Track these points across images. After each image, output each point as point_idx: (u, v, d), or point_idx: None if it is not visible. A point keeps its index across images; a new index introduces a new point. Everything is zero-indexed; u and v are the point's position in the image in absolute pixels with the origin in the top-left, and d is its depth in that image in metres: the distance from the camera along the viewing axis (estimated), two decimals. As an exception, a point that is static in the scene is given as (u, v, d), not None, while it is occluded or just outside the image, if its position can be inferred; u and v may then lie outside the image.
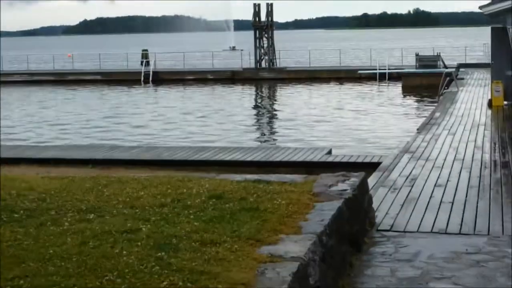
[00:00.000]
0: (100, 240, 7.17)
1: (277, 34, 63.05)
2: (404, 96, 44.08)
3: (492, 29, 28.75)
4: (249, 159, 20.14)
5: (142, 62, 63.44)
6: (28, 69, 67.98)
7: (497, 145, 18.35)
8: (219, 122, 35.05)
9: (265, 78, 58.24)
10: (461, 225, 10.77)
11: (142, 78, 59.06)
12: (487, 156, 16.62)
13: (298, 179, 10.75)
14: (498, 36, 27.79)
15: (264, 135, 32.03)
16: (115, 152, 22.06)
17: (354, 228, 9.57)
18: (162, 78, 59.52)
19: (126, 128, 33.83)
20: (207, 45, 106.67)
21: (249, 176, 10.90)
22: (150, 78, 59.00)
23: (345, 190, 9.84)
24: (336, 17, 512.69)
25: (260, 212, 8.37)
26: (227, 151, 21.45)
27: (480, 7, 26.37)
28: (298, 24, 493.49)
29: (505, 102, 26.55)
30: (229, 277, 6.25)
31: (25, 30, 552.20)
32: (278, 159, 20.00)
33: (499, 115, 24.53)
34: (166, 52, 76.29)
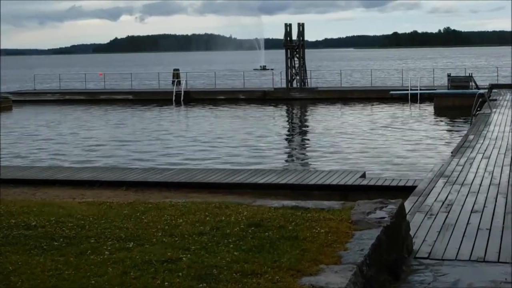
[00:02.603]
0: (141, 270, 7.16)
1: (308, 53, 63.15)
2: (437, 117, 43.91)
3: (526, 50, 28.68)
4: (283, 182, 20.11)
5: (173, 81, 63.69)
6: (60, 87, 68.52)
7: (535, 170, 18.16)
8: (251, 143, 35.03)
9: (297, 98, 58.28)
10: (499, 253, 10.65)
11: (174, 98, 59.29)
12: (524, 181, 16.49)
13: (335, 205, 10.72)
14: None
15: (297, 156, 31.99)
16: (148, 174, 22.12)
17: (392, 257, 9.51)
18: (193, 98, 59.79)
19: (158, 149, 33.89)
20: (238, 64, 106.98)
21: (287, 202, 10.86)
22: (182, 98, 59.24)
23: (383, 218, 9.79)
24: (366, 36, 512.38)
25: (300, 241, 8.35)
26: (260, 174, 21.44)
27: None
28: (328, 43, 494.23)
29: (540, 125, 26.37)
30: (271, 310, 6.24)
31: (57, 48, 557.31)
32: (312, 182, 19.96)
33: (535, 138, 24.34)
34: (197, 71, 76.58)
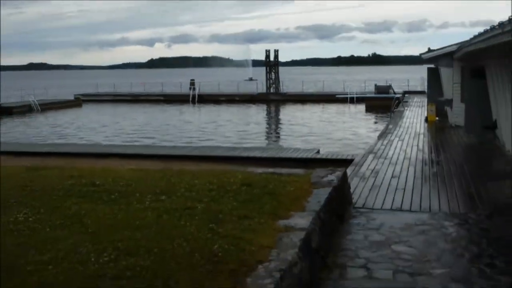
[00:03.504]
0: (170, 214, 7.12)
1: (280, 69, 62.70)
2: (367, 114, 43.82)
3: (428, 68, 28.71)
4: (264, 155, 19.98)
5: (190, 88, 63.21)
6: (114, 91, 68.03)
7: (432, 148, 18.18)
8: (243, 129, 34.91)
9: (273, 99, 58.00)
10: (411, 204, 10.69)
11: (190, 99, 58.98)
12: (426, 156, 16.50)
13: (300, 172, 10.68)
14: (432, 73, 27.72)
15: (273, 138, 31.88)
16: (173, 150, 21.95)
17: (339, 206, 9.50)
18: (204, 99, 59.44)
19: (179, 132, 33.73)
20: (233, 76, 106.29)
21: (267, 170, 10.82)
22: (196, 99, 58.96)
23: (333, 180, 9.76)
24: (320, 58, 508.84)
25: (277, 196, 8.31)
26: (249, 150, 21.33)
27: (421, 54, 26.21)
28: (294, 63, 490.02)
29: (437, 118, 26.38)
30: (258, 242, 6.20)
31: (111, 65, 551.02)
32: (284, 156, 19.85)
33: (433, 127, 24.35)
34: (206, 81, 76.07)
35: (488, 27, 12.46)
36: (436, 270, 7.19)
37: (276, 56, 61.94)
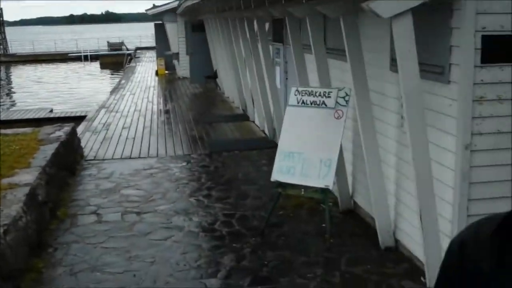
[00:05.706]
0: None
1: (8, 30, 58.22)
2: (102, 71, 43.14)
3: (155, 24, 29.15)
4: (-8, 119, 18.71)
5: None
6: None
7: (161, 99, 18.76)
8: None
9: (2, 61, 53.76)
10: (140, 152, 11.04)
11: None
12: (155, 107, 17.00)
13: (28, 131, 10.33)
14: (159, 29, 28.24)
15: (7, 102, 29.70)
16: None
17: (69, 160, 9.42)
18: None
19: None
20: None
21: (-8, 131, 10.22)
22: None
23: (61, 136, 9.63)
24: (52, 17, 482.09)
25: (0, 156, 7.97)
26: (-24, 115, 19.74)
27: (146, 10, 26.52)
28: (24, 22, 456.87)
29: (167, 72, 27.14)
30: (-21, 202, 5.95)
31: None
32: (15, 118, 18.81)
33: (163, 80, 25.03)
34: None
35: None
36: (161, 206, 7.65)
37: (1, 15, 57.26)
